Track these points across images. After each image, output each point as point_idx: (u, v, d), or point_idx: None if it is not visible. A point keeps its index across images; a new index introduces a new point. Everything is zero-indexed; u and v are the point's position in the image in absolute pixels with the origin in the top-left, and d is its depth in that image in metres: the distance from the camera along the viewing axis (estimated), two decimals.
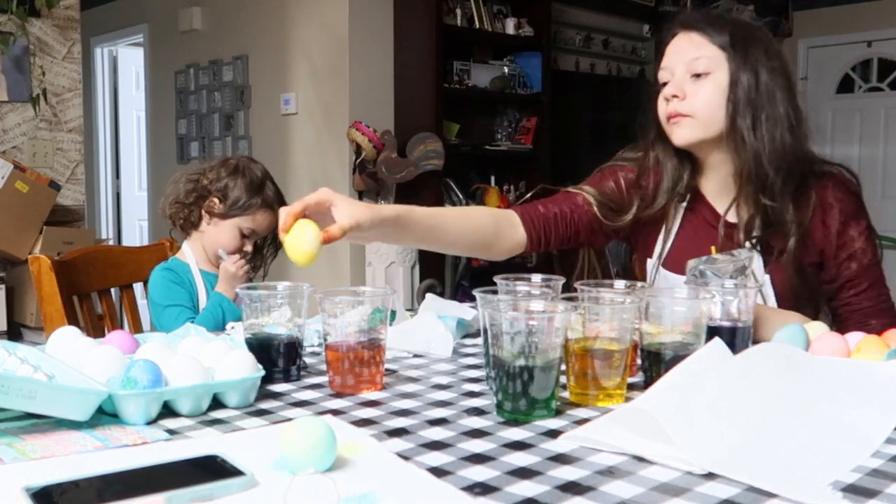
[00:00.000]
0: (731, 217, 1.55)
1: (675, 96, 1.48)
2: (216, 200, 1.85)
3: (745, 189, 1.49)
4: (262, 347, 1.15)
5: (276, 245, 1.95)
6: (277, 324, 1.17)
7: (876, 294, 1.51)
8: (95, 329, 1.73)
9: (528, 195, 1.74)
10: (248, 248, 1.88)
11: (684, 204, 1.59)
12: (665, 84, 1.51)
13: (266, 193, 1.87)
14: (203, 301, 1.83)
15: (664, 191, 1.58)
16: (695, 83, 1.47)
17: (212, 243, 1.87)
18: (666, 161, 1.57)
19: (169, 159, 5.84)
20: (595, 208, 1.59)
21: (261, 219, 1.87)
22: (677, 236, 1.60)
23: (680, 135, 1.50)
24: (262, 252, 1.94)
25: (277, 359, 1.15)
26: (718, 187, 1.57)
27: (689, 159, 1.57)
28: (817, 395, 0.97)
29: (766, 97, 1.45)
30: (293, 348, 1.16)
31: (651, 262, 1.62)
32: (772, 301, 1.49)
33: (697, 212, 1.59)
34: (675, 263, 1.56)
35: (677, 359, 1.03)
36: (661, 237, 1.61)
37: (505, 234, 1.52)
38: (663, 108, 1.51)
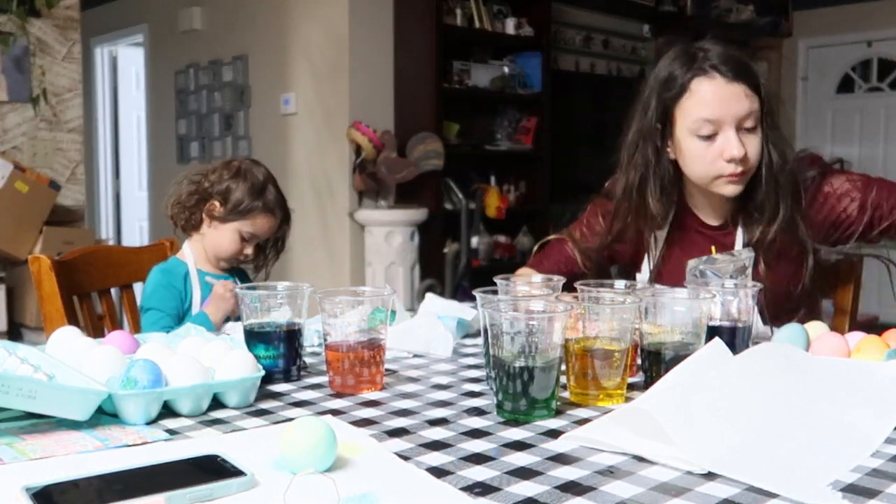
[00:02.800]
0: (715, 222, 1.60)
1: (741, 158, 1.46)
2: (217, 203, 1.84)
3: (745, 213, 1.54)
4: (261, 338, 1.16)
5: (278, 248, 1.94)
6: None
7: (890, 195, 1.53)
8: (95, 329, 1.73)
9: (535, 247, 1.81)
10: (249, 251, 1.88)
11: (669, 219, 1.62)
12: (709, 136, 1.46)
13: (267, 198, 1.86)
14: (198, 300, 1.83)
15: (652, 227, 1.61)
16: (744, 136, 1.46)
17: (212, 246, 1.87)
18: (655, 215, 1.57)
19: (169, 159, 5.85)
20: (580, 257, 1.71)
21: (261, 223, 1.86)
22: (665, 249, 1.62)
23: (736, 190, 1.50)
24: (265, 253, 1.94)
25: (278, 345, 1.16)
26: (707, 200, 1.59)
27: (671, 200, 1.58)
28: (817, 396, 0.97)
29: (775, 126, 1.50)
30: (294, 337, 1.17)
31: (640, 277, 1.65)
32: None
33: (683, 222, 1.62)
34: (666, 275, 1.59)
35: (677, 359, 1.03)
36: (648, 252, 1.64)
37: None
38: (722, 167, 1.47)
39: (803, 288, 1.52)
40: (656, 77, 1.52)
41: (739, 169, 1.46)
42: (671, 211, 1.59)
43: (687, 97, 1.47)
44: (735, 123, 1.45)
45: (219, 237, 1.85)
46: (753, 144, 1.46)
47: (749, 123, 1.45)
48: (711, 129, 1.45)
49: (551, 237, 1.78)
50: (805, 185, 1.54)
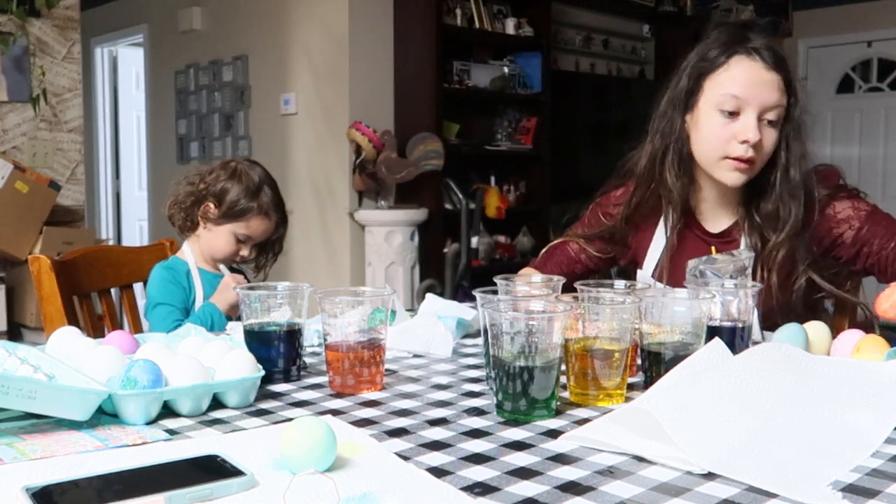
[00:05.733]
0: (718, 229, 1.60)
1: (754, 143, 1.46)
2: (211, 205, 1.84)
3: (750, 220, 1.53)
4: (261, 338, 1.16)
5: (275, 250, 1.94)
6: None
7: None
8: (95, 329, 1.73)
9: (543, 251, 1.81)
10: (244, 252, 1.87)
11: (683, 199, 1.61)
12: (731, 114, 1.47)
13: (262, 199, 1.84)
14: (200, 298, 1.83)
15: (662, 219, 1.61)
16: (763, 127, 1.47)
17: (207, 247, 1.87)
18: (671, 191, 1.57)
19: (169, 159, 5.85)
20: (590, 249, 1.73)
21: (255, 225, 1.85)
22: (666, 250, 1.62)
23: (740, 178, 1.50)
24: (266, 253, 1.94)
25: (278, 345, 1.16)
26: (712, 205, 1.60)
27: (689, 181, 1.58)
28: (817, 395, 0.97)
29: (798, 134, 1.50)
30: (294, 337, 1.17)
31: (641, 273, 1.65)
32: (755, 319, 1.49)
33: (686, 226, 1.62)
34: (667, 277, 1.59)
35: (677, 359, 1.03)
36: (650, 252, 1.64)
37: None
38: (733, 147, 1.47)
39: (795, 299, 1.51)
40: (698, 50, 1.54)
41: (749, 154, 1.46)
42: (687, 192, 1.59)
43: (722, 70, 1.49)
44: (759, 110, 1.46)
45: (214, 239, 1.85)
46: (770, 138, 1.47)
47: (771, 116, 1.46)
48: (735, 107, 1.46)
49: (555, 241, 1.78)
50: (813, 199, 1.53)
